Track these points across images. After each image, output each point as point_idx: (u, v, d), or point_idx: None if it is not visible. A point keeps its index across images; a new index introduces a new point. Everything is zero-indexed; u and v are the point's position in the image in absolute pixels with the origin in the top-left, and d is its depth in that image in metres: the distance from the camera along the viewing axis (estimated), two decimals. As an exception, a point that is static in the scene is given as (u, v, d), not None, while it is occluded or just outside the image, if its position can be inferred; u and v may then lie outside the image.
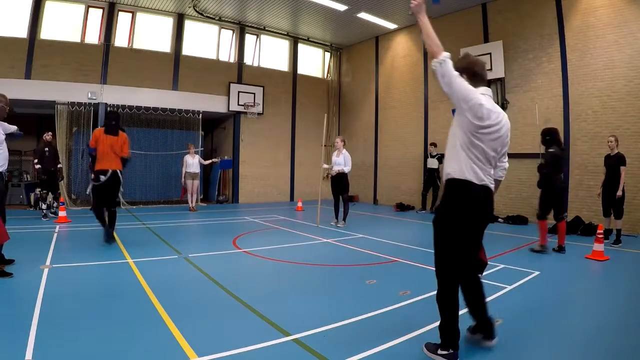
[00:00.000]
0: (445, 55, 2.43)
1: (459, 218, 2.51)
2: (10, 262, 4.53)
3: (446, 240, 2.55)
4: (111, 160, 5.88)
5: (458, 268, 2.56)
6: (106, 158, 5.86)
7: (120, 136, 6.01)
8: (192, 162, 10.68)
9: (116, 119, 6.09)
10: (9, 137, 4.63)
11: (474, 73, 2.60)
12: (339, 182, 8.40)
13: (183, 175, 10.74)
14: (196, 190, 10.96)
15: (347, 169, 8.32)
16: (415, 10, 2.50)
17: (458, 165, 2.51)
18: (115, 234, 6.17)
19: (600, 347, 2.86)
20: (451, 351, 2.53)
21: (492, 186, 2.60)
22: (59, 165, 8.72)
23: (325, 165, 8.91)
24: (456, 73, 2.46)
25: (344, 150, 8.39)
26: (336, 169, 8.33)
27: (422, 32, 2.48)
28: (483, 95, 2.51)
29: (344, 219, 8.58)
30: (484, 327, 2.74)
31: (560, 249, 6.01)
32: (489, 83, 2.55)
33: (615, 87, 8.20)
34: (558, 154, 5.95)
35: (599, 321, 3.35)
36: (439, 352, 2.57)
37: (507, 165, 2.78)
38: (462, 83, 2.45)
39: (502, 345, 2.78)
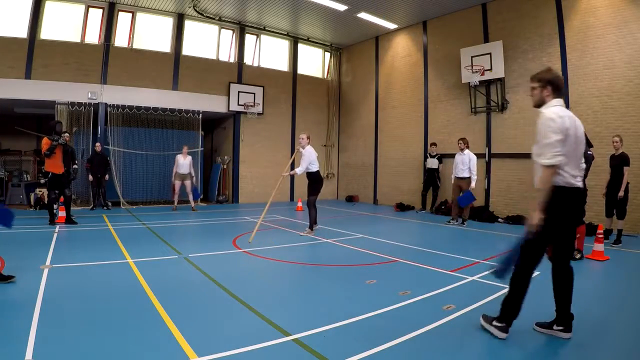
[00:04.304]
0: (546, 162, 2.75)
1: (557, 217, 2.81)
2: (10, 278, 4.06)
3: (545, 231, 2.77)
4: None
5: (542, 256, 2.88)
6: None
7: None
8: (183, 163, 10.63)
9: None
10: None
11: (557, 86, 2.93)
12: (310, 181, 7.36)
13: (173, 175, 10.73)
14: (190, 191, 10.88)
15: (298, 171, 7.20)
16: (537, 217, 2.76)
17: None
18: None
19: (600, 347, 2.86)
20: (504, 325, 2.87)
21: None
22: (74, 166, 8.50)
23: (284, 174, 7.65)
24: (543, 154, 2.77)
25: (308, 147, 7.26)
26: (293, 172, 7.35)
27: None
28: (559, 107, 2.85)
29: (310, 227, 7.39)
30: (565, 320, 2.91)
31: (579, 253, 5.60)
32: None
33: (615, 87, 8.20)
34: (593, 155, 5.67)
35: (599, 321, 3.35)
36: (494, 323, 2.92)
37: (582, 166, 2.94)
38: (549, 141, 2.74)
39: (502, 345, 2.79)
